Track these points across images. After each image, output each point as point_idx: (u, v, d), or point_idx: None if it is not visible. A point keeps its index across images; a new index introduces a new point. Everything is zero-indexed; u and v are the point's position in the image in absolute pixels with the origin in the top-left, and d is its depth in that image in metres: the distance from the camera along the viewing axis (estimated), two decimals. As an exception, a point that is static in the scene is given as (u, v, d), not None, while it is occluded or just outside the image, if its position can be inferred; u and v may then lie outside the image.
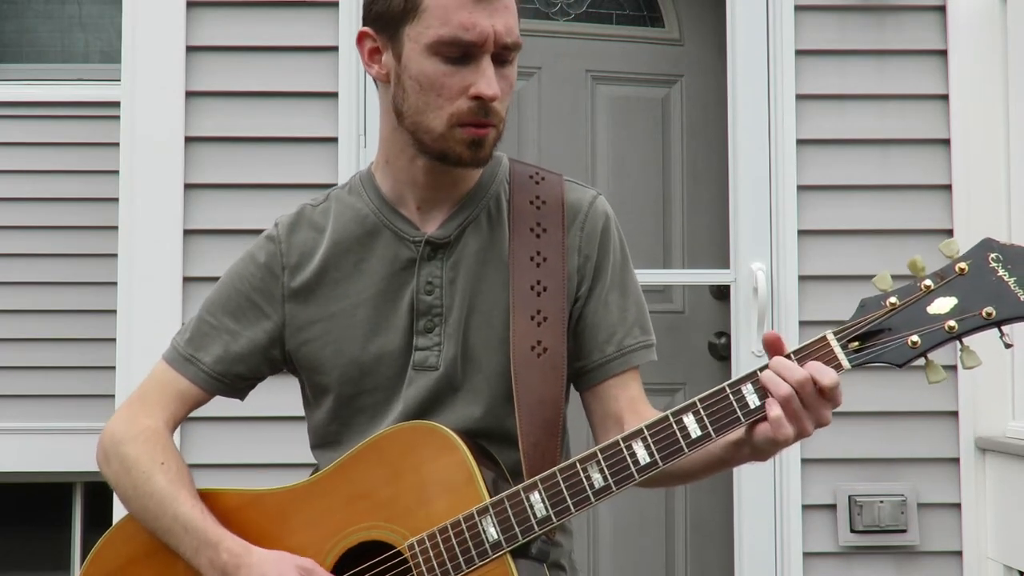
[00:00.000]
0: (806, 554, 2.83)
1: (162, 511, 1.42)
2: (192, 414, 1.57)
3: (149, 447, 1.47)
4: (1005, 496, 2.79)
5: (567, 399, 1.48)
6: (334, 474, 1.43)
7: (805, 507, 2.83)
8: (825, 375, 1.26)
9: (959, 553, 2.84)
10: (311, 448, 1.58)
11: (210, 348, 1.52)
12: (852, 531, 2.83)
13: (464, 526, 1.33)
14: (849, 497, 2.83)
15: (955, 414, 2.86)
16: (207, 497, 1.46)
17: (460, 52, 1.37)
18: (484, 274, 1.48)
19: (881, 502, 2.82)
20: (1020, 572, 2.75)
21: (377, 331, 1.48)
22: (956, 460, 2.86)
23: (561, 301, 1.46)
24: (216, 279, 1.58)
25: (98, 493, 3.79)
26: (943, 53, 2.92)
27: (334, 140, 2.86)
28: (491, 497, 1.34)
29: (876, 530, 2.82)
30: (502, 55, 1.39)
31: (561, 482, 1.32)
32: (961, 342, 1.26)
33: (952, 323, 1.25)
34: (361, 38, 1.46)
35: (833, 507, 2.85)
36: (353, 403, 1.50)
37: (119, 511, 2.70)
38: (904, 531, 2.83)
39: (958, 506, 2.85)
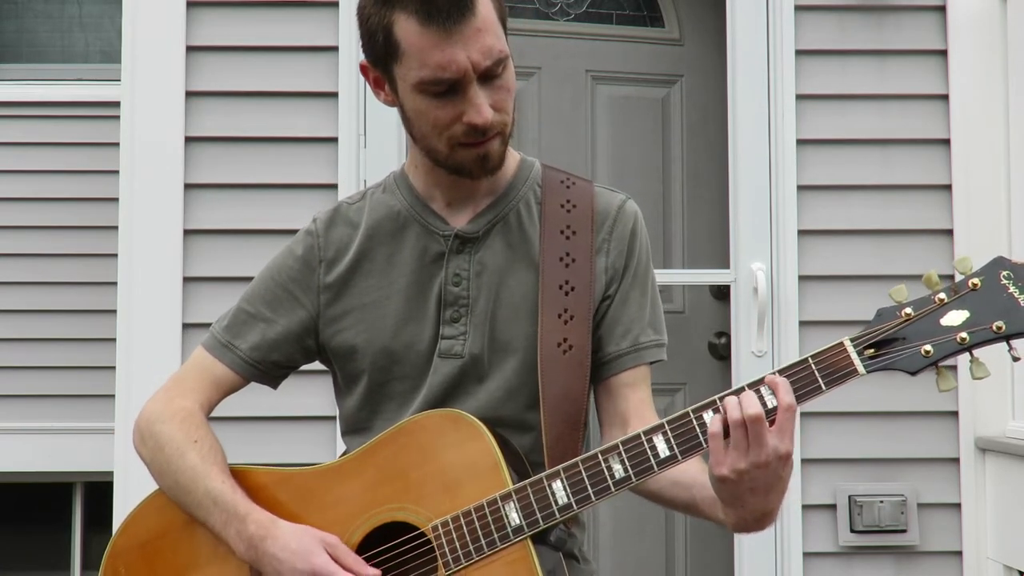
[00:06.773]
0: (806, 554, 2.83)
1: (194, 485, 1.47)
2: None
3: (184, 426, 1.52)
4: (1005, 496, 2.79)
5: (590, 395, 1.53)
6: (362, 457, 1.48)
7: (805, 507, 2.83)
8: (786, 394, 1.28)
9: (959, 553, 2.84)
10: (341, 435, 1.63)
11: (247, 336, 1.58)
12: (852, 531, 2.83)
13: (487, 510, 1.38)
14: (849, 497, 2.83)
15: (955, 414, 2.86)
16: (237, 474, 1.51)
17: (445, 87, 1.41)
18: (511, 270, 1.54)
19: (881, 502, 2.82)
20: (1020, 572, 2.75)
21: (407, 321, 1.54)
22: (956, 460, 2.86)
23: (588, 301, 1.52)
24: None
25: (98, 493, 3.79)
26: (943, 53, 2.92)
27: (334, 140, 2.86)
28: (514, 484, 1.38)
29: (876, 530, 2.82)
30: (489, 73, 1.42)
31: (583, 471, 1.36)
32: (971, 353, 1.32)
33: (964, 335, 1.31)
34: (363, 69, 1.52)
35: (833, 507, 2.85)
36: (383, 390, 1.56)
37: (119, 511, 2.71)
38: (904, 531, 2.83)
39: (958, 506, 2.85)
